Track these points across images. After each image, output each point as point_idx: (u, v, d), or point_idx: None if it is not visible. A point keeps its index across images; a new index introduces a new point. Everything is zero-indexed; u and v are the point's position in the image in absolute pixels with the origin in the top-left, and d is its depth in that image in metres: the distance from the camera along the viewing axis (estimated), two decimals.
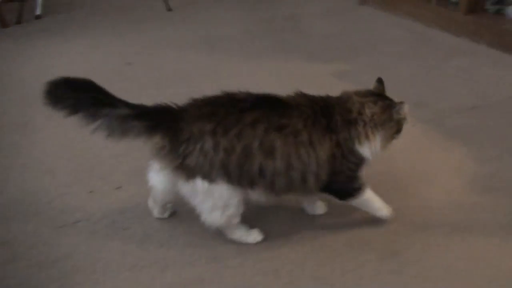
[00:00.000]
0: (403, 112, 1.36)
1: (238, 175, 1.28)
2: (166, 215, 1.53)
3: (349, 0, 3.49)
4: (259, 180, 1.30)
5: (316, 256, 1.41)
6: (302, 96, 1.37)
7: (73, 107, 1.26)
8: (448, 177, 1.70)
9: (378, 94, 1.40)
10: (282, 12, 3.34)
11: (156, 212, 1.53)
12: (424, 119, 2.01)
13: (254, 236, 1.44)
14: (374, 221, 1.49)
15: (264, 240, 1.45)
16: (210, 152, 1.25)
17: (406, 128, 1.41)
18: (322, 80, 2.34)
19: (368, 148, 1.35)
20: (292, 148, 1.28)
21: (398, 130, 1.38)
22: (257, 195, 1.35)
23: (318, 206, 1.54)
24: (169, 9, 3.42)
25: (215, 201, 1.31)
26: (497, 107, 2.11)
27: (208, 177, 1.27)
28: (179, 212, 1.55)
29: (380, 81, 1.44)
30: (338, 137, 1.32)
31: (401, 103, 1.35)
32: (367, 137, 1.34)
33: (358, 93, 1.38)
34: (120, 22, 3.24)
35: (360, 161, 1.37)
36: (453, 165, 1.77)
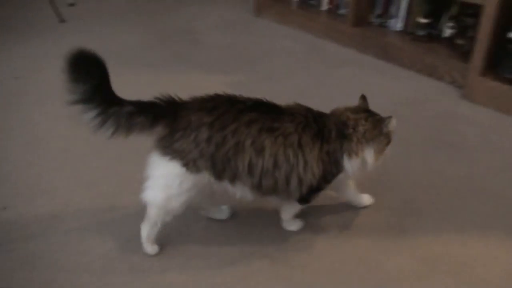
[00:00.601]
0: (392, 125, 1.43)
1: (222, 169, 1.34)
2: (225, 215, 1.59)
3: (246, 12, 3.57)
4: (246, 177, 1.35)
5: (210, 265, 1.43)
6: (299, 105, 1.44)
7: (88, 95, 1.29)
8: None
9: (367, 110, 1.47)
10: (179, 24, 3.35)
11: (216, 215, 1.59)
12: None
13: (154, 248, 1.47)
14: (265, 226, 1.54)
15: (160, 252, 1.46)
16: (202, 143, 1.32)
17: None
18: (218, 91, 2.37)
19: (352, 164, 1.41)
20: (280, 148, 1.34)
21: (388, 142, 1.45)
22: (242, 192, 1.40)
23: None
24: (62, 21, 3.30)
25: (172, 184, 1.35)
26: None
27: (192, 165, 1.33)
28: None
29: (363, 97, 1.51)
30: (329, 147, 1.38)
31: (390, 117, 1.43)
32: (356, 153, 1.40)
33: (350, 109, 1.45)
34: (7, 34, 3.08)
35: (338, 173, 1.43)
36: None
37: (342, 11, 3.11)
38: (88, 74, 1.29)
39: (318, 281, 1.40)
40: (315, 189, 1.42)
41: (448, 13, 2.69)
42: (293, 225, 1.57)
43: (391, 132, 1.45)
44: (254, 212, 1.60)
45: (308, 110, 1.43)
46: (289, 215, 1.55)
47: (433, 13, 2.76)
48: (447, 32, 2.70)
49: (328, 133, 1.39)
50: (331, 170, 1.41)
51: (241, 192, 1.40)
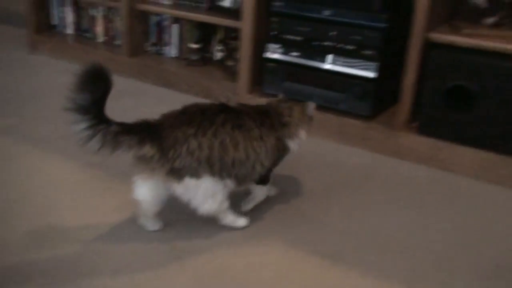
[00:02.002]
0: (311, 108, 1.77)
1: (220, 168, 1.54)
2: (158, 226, 1.67)
3: (20, 50, 3.38)
4: (232, 170, 1.56)
5: None
6: (244, 105, 1.70)
7: (86, 106, 1.42)
8: None
9: (291, 99, 1.79)
10: None
11: (150, 225, 1.66)
12: (92, 162, 2.05)
13: (242, 221, 1.69)
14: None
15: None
16: (196, 151, 1.50)
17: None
18: None
19: (295, 143, 1.72)
20: (248, 142, 1.58)
21: (311, 122, 1.78)
22: (232, 185, 1.60)
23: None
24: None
25: (204, 192, 1.54)
26: None
27: (196, 174, 1.51)
28: None
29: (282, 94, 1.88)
30: (278, 134, 1.67)
31: (310, 102, 1.78)
32: (296, 135, 1.71)
33: (279, 101, 1.77)
34: None
35: (286, 154, 1.73)
36: None
37: (118, 42, 3.13)
38: (95, 86, 1.44)
39: None
40: (269, 171, 1.71)
41: (216, 37, 2.88)
42: (250, 204, 1.77)
43: (312, 115, 1.79)
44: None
45: (253, 107, 1.70)
46: (258, 198, 1.77)
47: (203, 38, 2.93)
48: (218, 55, 2.88)
49: (275, 123, 1.67)
50: (282, 153, 1.71)
51: (228, 186, 1.60)
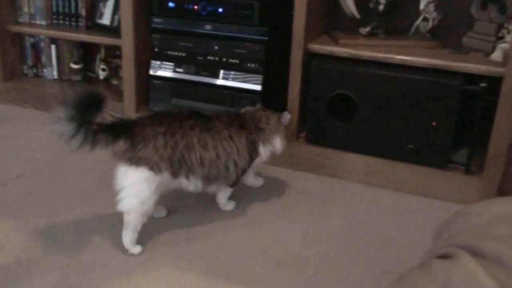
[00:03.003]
0: (288, 119, 1.89)
1: (179, 167, 1.64)
2: (162, 215, 1.85)
3: None
4: (199, 169, 1.66)
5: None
6: (217, 111, 1.81)
7: (78, 116, 1.50)
8: None
9: (268, 110, 1.89)
10: None
11: (154, 214, 1.79)
12: None
13: (136, 248, 1.67)
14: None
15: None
16: (160, 148, 1.61)
17: None
18: None
19: (266, 150, 1.84)
20: (218, 142, 1.69)
21: (286, 131, 1.91)
22: (195, 184, 1.70)
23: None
24: None
25: (143, 188, 1.61)
26: (45, 169, 2.15)
27: (156, 167, 1.61)
28: None
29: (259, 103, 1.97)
30: (251, 137, 1.78)
31: (285, 112, 1.89)
32: (269, 141, 1.83)
33: (259, 109, 1.88)
34: None
35: (256, 158, 1.83)
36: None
37: None
38: (86, 111, 1.52)
39: None
40: (242, 172, 1.80)
41: (99, 55, 2.76)
42: (229, 205, 1.92)
43: (287, 124, 1.91)
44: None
45: (227, 112, 1.82)
46: (224, 199, 1.90)
47: (84, 57, 2.79)
48: (102, 74, 2.76)
49: (249, 126, 1.79)
50: (253, 157, 1.80)
51: (194, 184, 1.70)
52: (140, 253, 1.66)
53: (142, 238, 1.70)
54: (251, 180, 2.04)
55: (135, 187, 1.62)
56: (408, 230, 1.82)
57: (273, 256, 1.67)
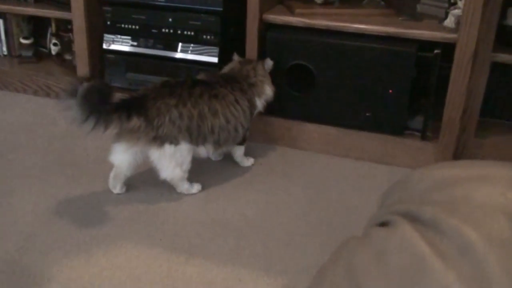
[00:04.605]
0: (269, 64, 1.96)
1: (197, 135, 1.72)
2: (124, 190, 1.83)
3: None
4: (210, 136, 1.74)
5: None
6: (212, 75, 1.89)
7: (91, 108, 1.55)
8: None
9: (248, 60, 1.98)
10: None
11: (118, 189, 1.82)
12: None
13: (196, 187, 1.84)
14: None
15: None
16: (177, 121, 1.67)
17: None
18: None
19: (261, 101, 1.93)
20: (226, 108, 1.76)
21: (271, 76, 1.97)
22: (206, 150, 1.80)
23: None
24: None
25: (177, 159, 1.72)
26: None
27: (175, 140, 1.68)
28: None
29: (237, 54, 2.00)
30: (248, 95, 1.86)
31: (267, 58, 1.96)
32: (263, 92, 1.92)
33: (242, 63, 1.94)
34: None
35: (255, 111, 1.93)
36: None
37: None
38: (96, 104, 1.56)
39: None
40: (247, 130, 1.92)
41: (50, 30, 2.66)
42: (248, 161, 2.02)
43: (270, 69, 1.97)
44: None
45: (221, 76, 1.90)
46: (241, 156, 1.99)
47: (35, 32, 2.69)
48: (54, 49, 2.66)
49: (244, 86, 1.86)
50: (253, 111, 1.90)
51: (206, 150, 1.79)
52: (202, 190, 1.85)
53: (101, 214, 1.69)
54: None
55: (173, 161, 1.71)
56: (367, 198, 1.85)
57: (235, 228, 1.67)
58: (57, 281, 1.43)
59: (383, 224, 0.94)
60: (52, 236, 1.61)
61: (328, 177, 1.99)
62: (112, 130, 1.65)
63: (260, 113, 2.01)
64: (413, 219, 0.86)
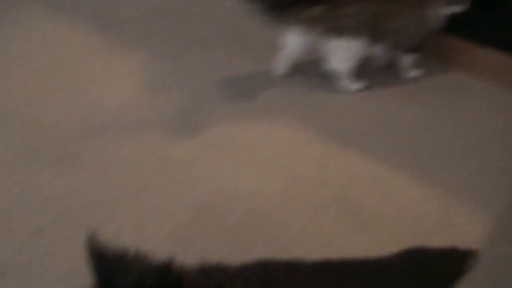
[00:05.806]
0: None
1: (376, 32, 1.70)
2: (287, 72, 1.88)
3: None
4: (389, 36, 1.74)
5: None
6: None
7: None
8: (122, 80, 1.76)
9: None
10: None
11: (282, 70, 1.88)
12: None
13: (357, 85, 1.84)
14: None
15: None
16: (361, 14, 1.65)
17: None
18: None
19: (443, 11, 1.78)
20: (409, 8, 1.70)
21: None
22: (379, 50, 1.84)
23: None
24: None
25: (350, 52, 1.73)
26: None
27: (354, 34, 1.68)
28: None
29: None
30: (431, 4, 1.74)
31: None
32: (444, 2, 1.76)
33: None
34: None
35: (435, 22, 1.80)
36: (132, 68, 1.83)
37: None
38: None
39: (106, 171, 1.42)
40: (424, 35, 1.82)
41: None
42: (414, 72, 1.93)
43: None
44: None
45: None
46: (409, 65, 1.90)
47: None
48: None
49: None
50: (433, 20, 1.78)
51: (379, 51, 1.85)
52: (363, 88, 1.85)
53: (259, 90, 1.76)
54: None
55: (337, 53, 1.73)
56: None
57: (387, 131, 1.68)
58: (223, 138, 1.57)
59: None
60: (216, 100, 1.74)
61: (497, 110, 1.83)
62: (294, 13, 1.67)
63: (440, 30, 1.88)
64: None
